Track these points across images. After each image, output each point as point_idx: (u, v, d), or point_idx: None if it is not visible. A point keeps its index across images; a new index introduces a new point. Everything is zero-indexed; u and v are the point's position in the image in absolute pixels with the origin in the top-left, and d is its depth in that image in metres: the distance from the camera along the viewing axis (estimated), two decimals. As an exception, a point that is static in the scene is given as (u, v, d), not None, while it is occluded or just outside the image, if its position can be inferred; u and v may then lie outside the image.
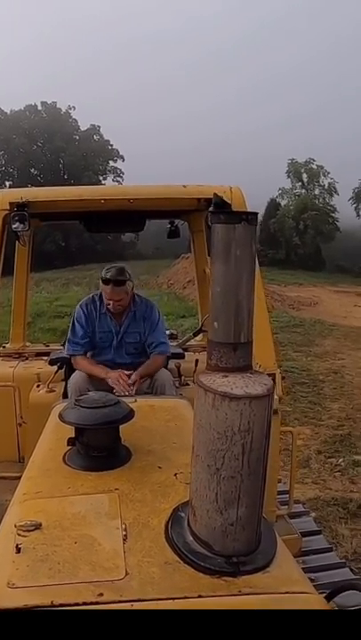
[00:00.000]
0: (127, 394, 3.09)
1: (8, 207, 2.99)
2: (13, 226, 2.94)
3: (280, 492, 3.75)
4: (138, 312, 3.67)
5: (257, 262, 1.56)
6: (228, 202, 2.41)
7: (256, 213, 1.44)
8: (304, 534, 3.75)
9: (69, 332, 3.68)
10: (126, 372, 3.38)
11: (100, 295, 3.67)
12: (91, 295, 3.79)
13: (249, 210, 3.13)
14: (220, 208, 1.51)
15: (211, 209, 1.52)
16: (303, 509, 4.57)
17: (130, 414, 2.06)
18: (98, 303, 3.66)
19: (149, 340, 3.64)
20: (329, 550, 3.95)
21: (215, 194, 1.53)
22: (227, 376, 1.38)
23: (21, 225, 2.93)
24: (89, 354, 3.67)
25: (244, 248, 1.39)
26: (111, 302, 3.55)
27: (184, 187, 3.23)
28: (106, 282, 3.52)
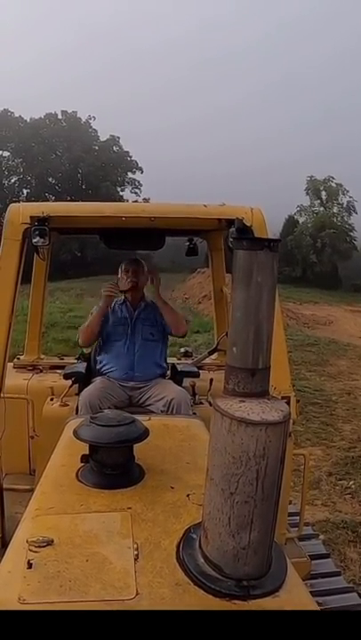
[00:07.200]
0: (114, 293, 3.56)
1: (29, 221, 3.00)
2: (34, 240, 2.94)
3: (290, 514, 3.73)
4: (154, 306, 3.83)
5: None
6: (249, 223, 2.44)
7: (279, 240, 1.45)
8: (313, 557, 3.72)
9: None
10: None
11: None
12: None
13: (268, 229, 3.17)
14: (242, 233, 1.53)
15: (233, 234, 1.54)
16: (312, 532, 4.54)
17: (145, 434, 2.07)
18: (116, 300, 3.81)
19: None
20: (337, 574, 3.92)
21: (237, 219, 1.56)
22: (244, 401, 1.39)
23: (42, 239, 2.94)
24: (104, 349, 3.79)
25: (265, 274, 1.40)
26: (127, 276, 3.73)
27: (205, 206, 3.24)
28: (124, 262, 3.80)
